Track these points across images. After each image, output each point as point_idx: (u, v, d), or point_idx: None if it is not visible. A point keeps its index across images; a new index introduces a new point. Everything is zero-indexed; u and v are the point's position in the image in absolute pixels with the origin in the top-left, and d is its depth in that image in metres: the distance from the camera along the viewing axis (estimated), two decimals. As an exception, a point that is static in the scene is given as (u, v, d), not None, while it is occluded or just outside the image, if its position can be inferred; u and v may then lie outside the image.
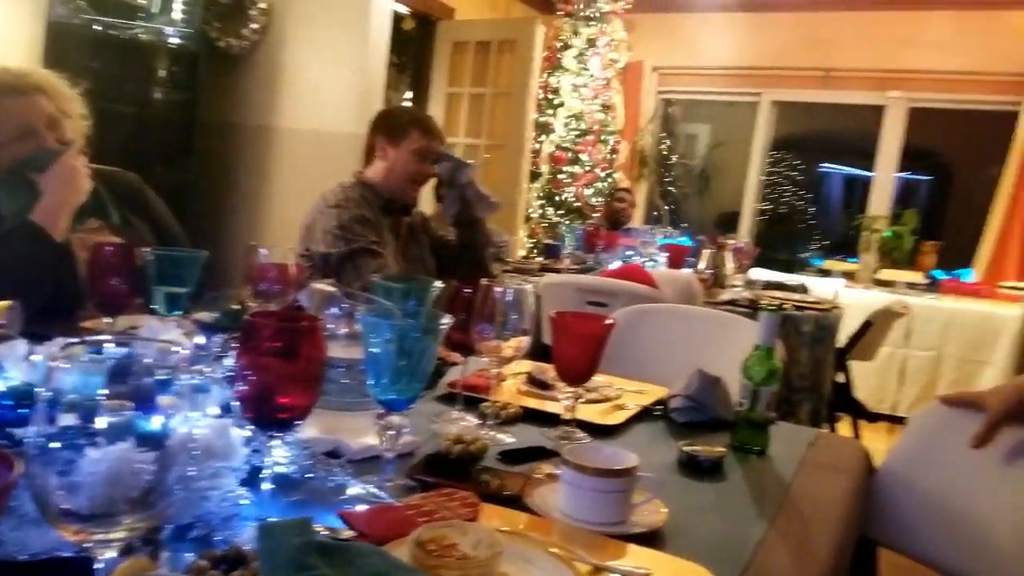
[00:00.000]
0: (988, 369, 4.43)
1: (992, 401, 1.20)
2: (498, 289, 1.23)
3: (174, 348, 0.71)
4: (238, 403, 0.84)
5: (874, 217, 5.64)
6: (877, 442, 3.56)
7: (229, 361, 1.08)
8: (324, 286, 1.19)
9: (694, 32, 6.02)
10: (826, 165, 8.42)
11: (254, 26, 3.81)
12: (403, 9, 5.15)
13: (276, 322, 0.86)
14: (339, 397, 1.11)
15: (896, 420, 4.28)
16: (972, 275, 5.23)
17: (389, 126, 2.28)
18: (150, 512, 0.66)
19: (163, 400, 0.68)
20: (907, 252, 5.46)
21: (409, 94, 5.92)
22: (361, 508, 0.89)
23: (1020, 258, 5.03)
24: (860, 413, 3.52)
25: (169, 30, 3.56)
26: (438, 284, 1.34)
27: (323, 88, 3.74)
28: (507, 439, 1.22)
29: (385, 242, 2.21)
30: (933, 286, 5.13)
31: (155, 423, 0.67)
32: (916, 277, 5.16)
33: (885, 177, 5.70)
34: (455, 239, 2.39)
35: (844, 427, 3.58)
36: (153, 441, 0.66)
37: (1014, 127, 5.08)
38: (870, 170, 5.80)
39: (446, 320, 0.98)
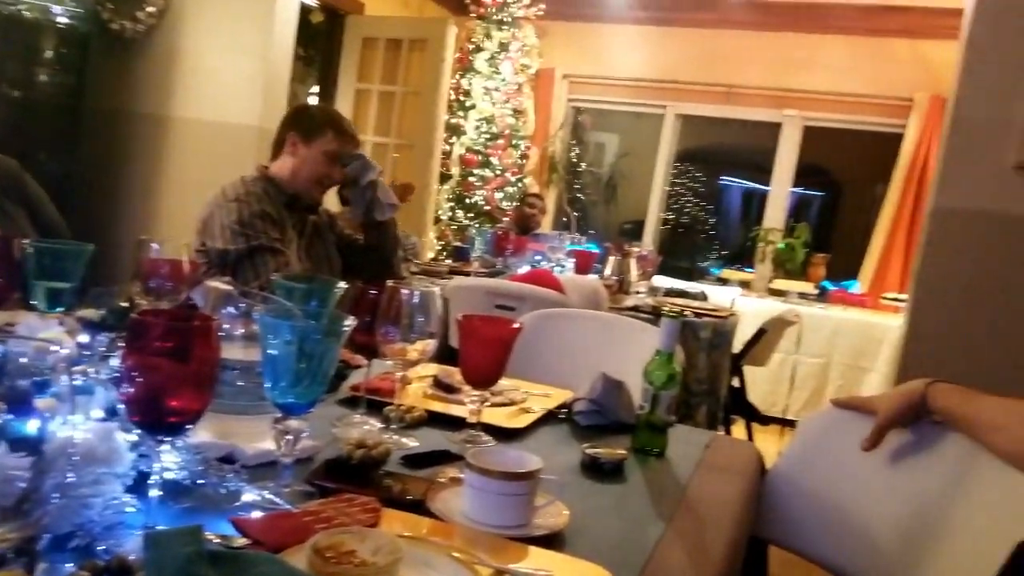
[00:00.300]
0: (872, 375, 4.69)
1: (881, 406, 1.26)
2: (404, 291, 1.21)
3: (53, 347, 0.67)
4: (124, 406, 0.79)
5: (769, 229, 5.89)
6: (769, 444, 3.71)
7: (115, 361, 1.02)
8: (219, 284, 1.15)
9: (604, 42, 6.14)
10: (727, 178, 8.74)
11: (151, 9, 3.64)
12: (311, 1, 5.05)
13: (166, 321, 0.82)
14: (233, 400, 1.07)
15: (787, 423, 4.48)
16: (858, 286, 5.54)
17: (304, 123, 2.22)
18: (25, 521, 0.63)
19: (40, 402, 0.64)
20: (799, 264, 5.73)
21: (316, 88, 5.80)
22: (256, 515, 0.85)
23: (901, 272, 5.35)
24: (753, 416, 3.67)
25: (57, 8, 3.36)
26: (341, 284, 1.31)
27: (223, 78, 3.60)
28: (411, 443, 1.21)
29: (288, 240, 2.14)
30: (822, 296, 5.41)
31: (30, 426, 0.63)
32: (807, 287, 5.42)
33: (780, 192, 5.96)
34: (363, 239, 2.35)
35: (738, 430, 3.72)
36: (28, 445, 0.62)
37: (899, 148, 5.40)
38: (767, 184, 6.06)
39: (349, 322, 0.96)
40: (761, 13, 5.55)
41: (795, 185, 6.04)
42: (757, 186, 7.14)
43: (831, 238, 7.12)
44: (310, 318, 1.02)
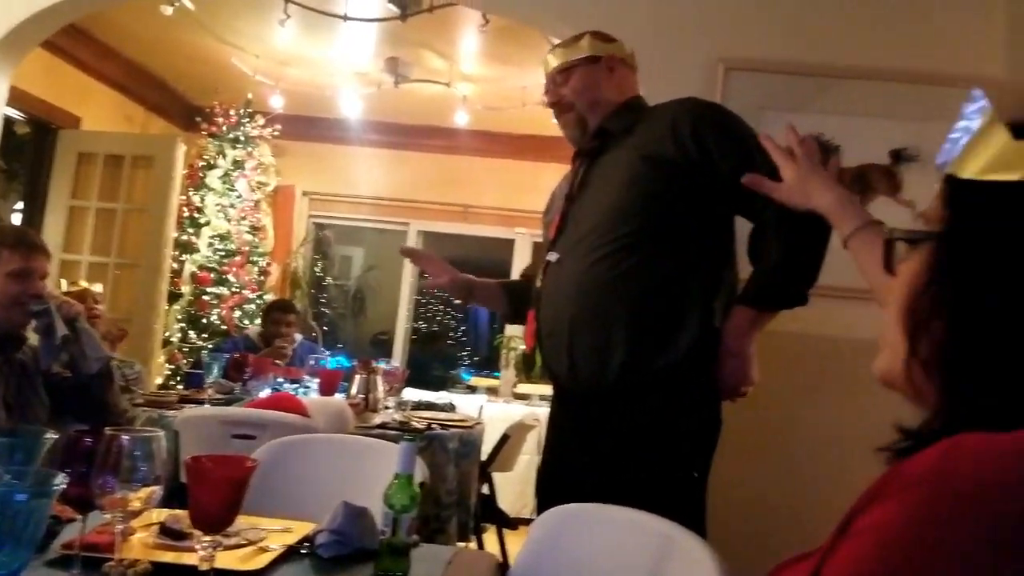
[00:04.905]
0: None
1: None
2: (125, 438, 1.14)
3: None
4: None
5: (511, 336, 6.24)
6: (519, 547, 3.81)
7: None
8: None
9: (343, 162, 6.30)
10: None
11: None
12: (16, 114, 4.65)
13: None
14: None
15: (535, 523, 4.64)
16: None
17: None
18: None
19: None
20: (539, 367, 6.10)
21: (20, 204, 5.29)
22: None
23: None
24: (504, 522, 3.75)
25: None
26: (49, 435, 1.20)
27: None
28: (134, 602, 1.12)
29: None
30: (560, 397, 5.77)
31: None
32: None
33: (516, 300, 6.38)
34: (72, 378, 2.15)
35: (490, 537, 3.77)
36: None
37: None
38: (506, 293, 6.46)
39: (59, 480, 0.89)
40: (488, 142, 6.08)
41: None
42: (498, 295, 7.57)
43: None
44: (15, 477, 0.94)
